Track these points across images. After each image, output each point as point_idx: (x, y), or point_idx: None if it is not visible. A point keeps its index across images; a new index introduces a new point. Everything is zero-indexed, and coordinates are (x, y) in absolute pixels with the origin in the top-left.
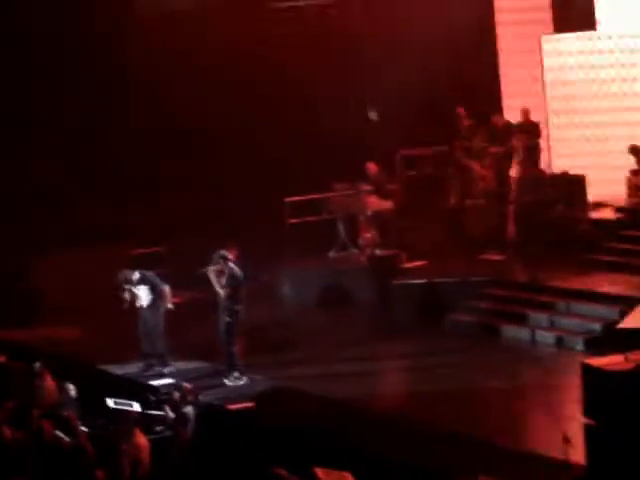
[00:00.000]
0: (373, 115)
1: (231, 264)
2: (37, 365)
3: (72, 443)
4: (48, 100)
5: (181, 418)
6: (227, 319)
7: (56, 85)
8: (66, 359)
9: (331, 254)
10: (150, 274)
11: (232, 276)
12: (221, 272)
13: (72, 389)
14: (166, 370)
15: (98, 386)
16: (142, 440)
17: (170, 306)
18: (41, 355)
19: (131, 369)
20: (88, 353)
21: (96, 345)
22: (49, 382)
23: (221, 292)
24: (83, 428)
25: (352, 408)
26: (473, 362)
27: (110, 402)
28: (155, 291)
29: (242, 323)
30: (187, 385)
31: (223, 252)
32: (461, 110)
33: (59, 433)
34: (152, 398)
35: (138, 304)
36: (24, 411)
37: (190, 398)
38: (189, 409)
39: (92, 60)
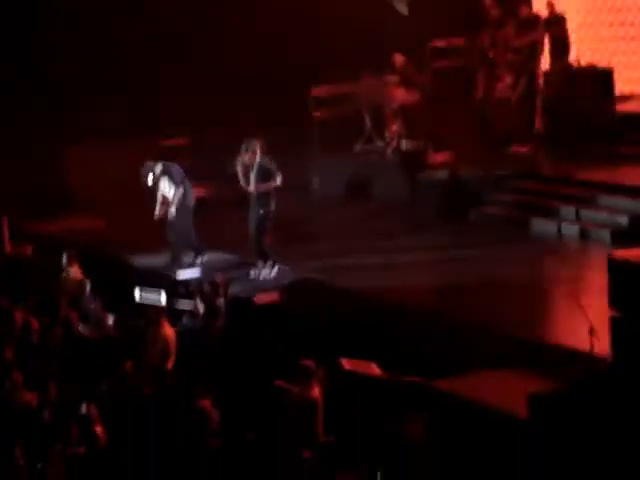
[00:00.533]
0: (401, 7)
1: (259, 156)
2: (65, 255)
3: (99, 335)
4: None
5: (212, 310)
6: (259, 211)
7: None
8: (93, 251)
9: (357, 147)
10: (174, 166)
11: (261, 168)
12: (249, 164)
13: (87, 284)
14: (196, 261)
15: (125, 278)
16: (169, 331)
17: (172, 210)
18: (68, 247)
19: (159, 261)
20: (116, 245)
21: (124, 238)
22: (76, 273)
23: (250, 185)
24: (110, 320)
25: (377, 300)
26: (498, 255)
27: (137, 294)
28: (178, 183)
29: (273, 215)
30: (218, 277)
31: (250, 144)
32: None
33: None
34: (181, 290)
35: (161, 196)
36: (51, 302)
37: (221, 290)
38: (221, 301)
39: None
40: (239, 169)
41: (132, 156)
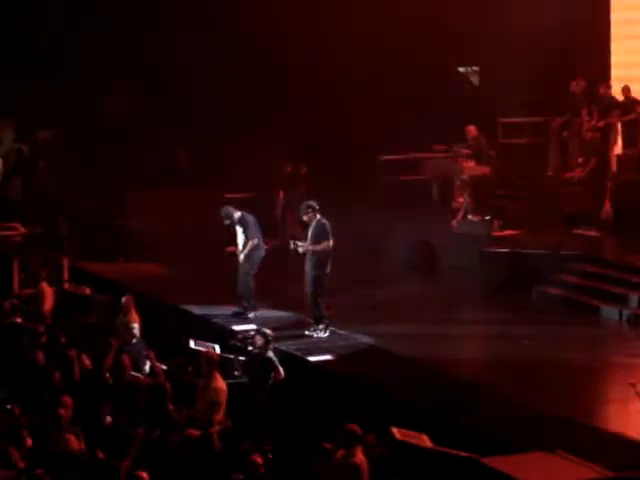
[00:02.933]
0: (474, 78)
1: (319, 215)
2: (123, 299)
3: (150, 381)
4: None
5: (265, 363)
6: (314, 271)
7: None
8: (151, 297)
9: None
10: (250, 217)
11: (319, 227)
12: (308, 223)
13: (136, 328)
14: (251, 315)
15: (181, 326)
16: (221, 383)
17: (241, 257)
18: (125, 291)
19: (216, 312)
20: (173, 293)
21: (182, 286)
22: (132, 318)
23: (308, 243)
24: (162, 366)
25: (433, 370)
26: (557, 335)
27: (191, 342)
28: (252, 235)
29: (329, 276)
30: (269, 331)
31: (311, 202)
32: (572, 82)
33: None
34: (233, 342)
35: (235, 245)
36: (105, 344)
37: (272, 345)
38: (271, 355)
39: None
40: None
41: (196, 205)
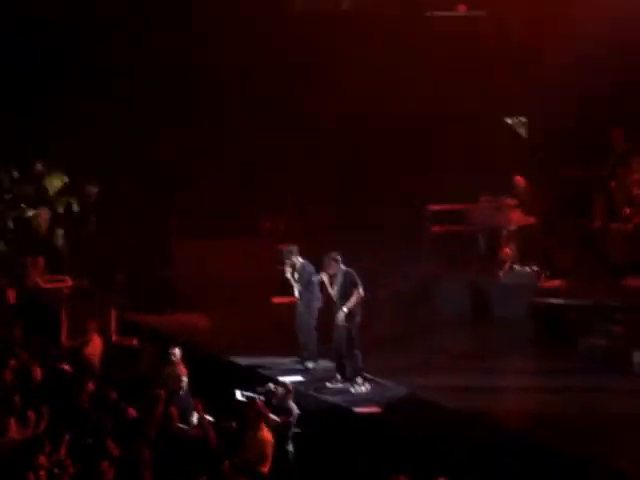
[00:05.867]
0: (520, 129)
1: (344, 267)
2: (169, 350)
3: (197, 432)
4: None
5: (284, 411)
6: (346, 324)
7: None
8: (196, 348)
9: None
10: (308, 266)
11: (346, 279)
12: (334, 275)
13: (184, 379)
14: (310, 366)
15: (227, 377)
16: (267, 435)
17: (319, 303)
18: (172, 342)
19: (262, 362)
20: (219, 344)
21: (228, 336)
22: (179, 369)
23: (334, 296)
24: (209, 417)
25: (479, 421)
26: (606, 388)
27: (237, 393)
28: (305, 285)
29: (361, 328)
30: (289, 384)
31: (334, 254)
32: (617, 132)
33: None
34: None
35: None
36: (154, 395)
37: (291, 397)
38: (293, 405)
39: None
40: (325, 278)
41: (240, 256)
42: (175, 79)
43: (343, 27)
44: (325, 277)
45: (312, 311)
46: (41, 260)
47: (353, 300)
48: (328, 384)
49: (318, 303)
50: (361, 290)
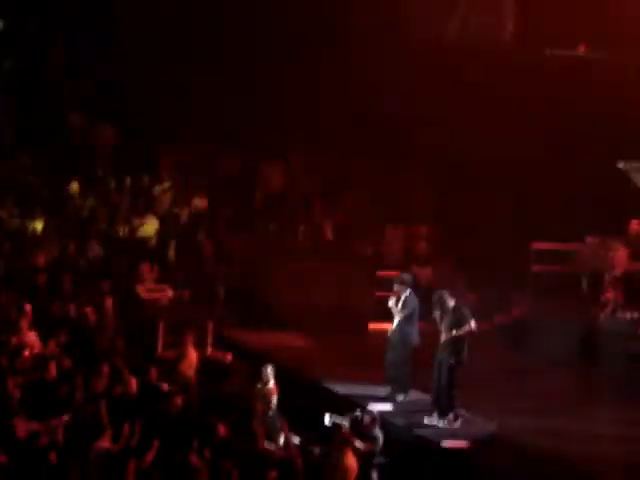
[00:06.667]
0: (637, 178)
1: (453, 303)
2: (267, 369)
3: (283, 454)
4: None
5: (370, 439)
6: (450, 359)
7: None
8: (291, 369)
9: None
10: (413, 295)
11: (457, 316)
12: (444, 312)
13: (275, 398)
14: (400, 398)
15: (318, 401)
16: (352, 461)
17: (417, 341)
18: (268, 360)
19: (355, 390)
20: (314, 366)
21: (324, 360)
22: (271, 389)
23: (443, 332)
24: (295, 441)
25: (570, 468)
26: None
27: (326, 418)
28: (405, 312)
29: (465, 365)
30: (376, 412)
31: (445, 292)
32: None
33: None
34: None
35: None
36: (244, 415)
37: (378, 425)
38: (378, 433)
39: None
40: (437, 315)
41: (344, 277)
42: None
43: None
44: (437, 314)
45: (408, 344)
46: (155, 269)
47: (461, 332)
48: (426, 419)
49: (416, 337)
50: (473, 324)
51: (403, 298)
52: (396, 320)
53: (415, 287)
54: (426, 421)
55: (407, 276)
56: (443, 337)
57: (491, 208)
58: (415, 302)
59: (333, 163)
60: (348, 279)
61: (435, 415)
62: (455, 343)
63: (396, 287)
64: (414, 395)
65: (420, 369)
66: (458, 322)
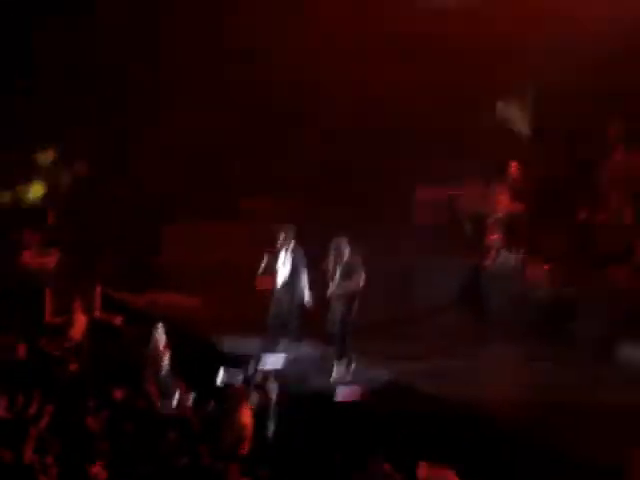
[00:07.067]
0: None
1: (347, 252)
2: (153, 329)
3: (177, 413)
4: None
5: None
6: (343, 311)
7: None
8: (182, 328)
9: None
10: (301, 250)
11: (349, 264)
12: (338, 260)
13: (167, 358)
14: (287, 350)
15: (211, 358)
16: (247, 417)
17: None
18: (156, 321)
19: (249, 344)
20: (205, 324)
21: (216, 317)
22: (162, 349)
23: (337, 280)
24: (190, 399)
25: (461, 408)
26: (592, 376)
27: (220, 375)
28: (299, 265)
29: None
30: (268, 367)
31: (343, 241)
32: (611, 129)
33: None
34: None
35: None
36: (135, 374)
37: (272, 378)
38: (272, 386)
39: None
40: (329, 267)
41: (231, 237)
42: None
43: None
44: (330, 262)
45: (296, 297)
46: (39, 235)
47: (350, 285)
48: (337, 368)
49: (304, 290)
50: (363, 276)
51: (287, 251)
52: (285, 273)
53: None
54: (325, 371)
55: (288, 227)
56: (334, 287)
57: (367, 156)
58: (300, 254)
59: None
60: (233, 236)
61: (334, 364)
62: (347, 293)
63: (279, 241)
64: (306, 347)
65: (309, 320)
66: (350, 274)
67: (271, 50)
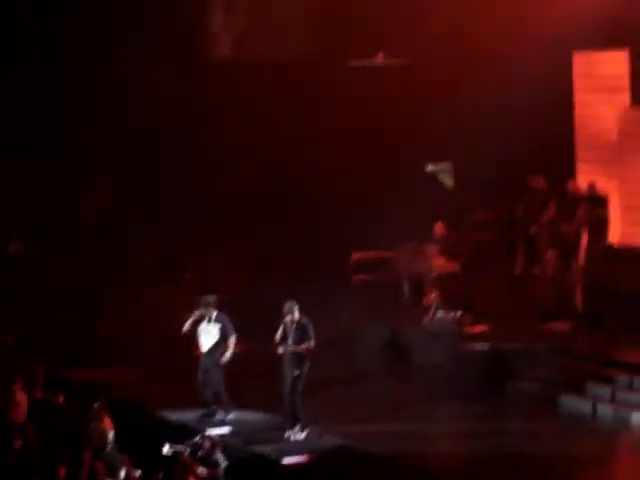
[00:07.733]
0: (447, 180)
1: (297, 316)
2: (96, 405)
3: None
4: None
5: (211, 463)
6: (294, 372)
7: None
8: (124, 403)
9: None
10: (225, 317)
11: (302, 328)
12: (290, 323)
13: (110, 434)
14: (227, 418)
15: (155, 432)
16: None
17: (228, 355)
18: (98, 397)
19: (191, 416)
20: (148, 398)
21: (157, 391)
22: (105, 424)
23: (289, 344)
24: (136, 473)
25: (408, 467)
26: (531, 431)
27: (165, 448)
28: (224, 335)
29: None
30: (215, 436)
31: (294, 304)
32: (536, 178)
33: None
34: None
35: (202, 344)
36: (78, 452)
37: (219, 449)
38: (219, 456)
39: None
40: (280, 329)
41: (171, 307)
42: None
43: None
44: (284, 325)
45: (219, 364)
46: None
47: (301, 347)
48: (287, 434)
49: (227, 356)
50: (312, 342)
51: (211, 320)
52: (210, 343)
53: (221, 307)
54: (284, 435)
55: (209, 298)
56: (285, 350)
57: (303, 222)
58: (225, 321)
59: None
60: (172, 306)
61: (287, 428)
62: (299, 357)
63: (201, 310)
64: (247, 413)
65: (246, 385)
66: (302, 337)
67: None
